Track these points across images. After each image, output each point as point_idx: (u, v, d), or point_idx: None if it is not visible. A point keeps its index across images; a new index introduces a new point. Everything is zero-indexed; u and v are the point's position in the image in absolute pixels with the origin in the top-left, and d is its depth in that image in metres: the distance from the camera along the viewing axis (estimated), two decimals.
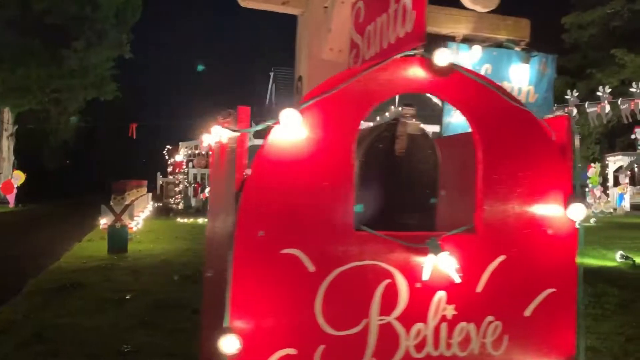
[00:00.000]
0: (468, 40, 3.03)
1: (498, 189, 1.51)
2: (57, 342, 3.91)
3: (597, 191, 22.62)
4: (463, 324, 1.45)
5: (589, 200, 22.47)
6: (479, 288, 1.48)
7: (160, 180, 25.06)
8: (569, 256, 1.63)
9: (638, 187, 25.83)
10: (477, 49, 3.02)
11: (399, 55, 1.48)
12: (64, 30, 17.60)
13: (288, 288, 1.30)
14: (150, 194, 15.91)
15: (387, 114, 21.00)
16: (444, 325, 1.43)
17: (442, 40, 2.97)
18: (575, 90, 17.28)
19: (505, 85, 3.15)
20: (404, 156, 1.71)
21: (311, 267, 1.30)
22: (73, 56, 18.09)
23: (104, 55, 19.16)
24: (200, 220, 14.33)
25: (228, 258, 1.22)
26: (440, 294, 1.43)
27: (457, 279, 1.40)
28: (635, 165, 25.15)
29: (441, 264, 1.38)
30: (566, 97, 17.48)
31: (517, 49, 3.09)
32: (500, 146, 1.53)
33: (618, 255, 7.68)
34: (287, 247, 1.29)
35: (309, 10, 2.69)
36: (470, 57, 3.08)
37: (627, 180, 24.70)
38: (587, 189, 22.75)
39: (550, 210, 1.57)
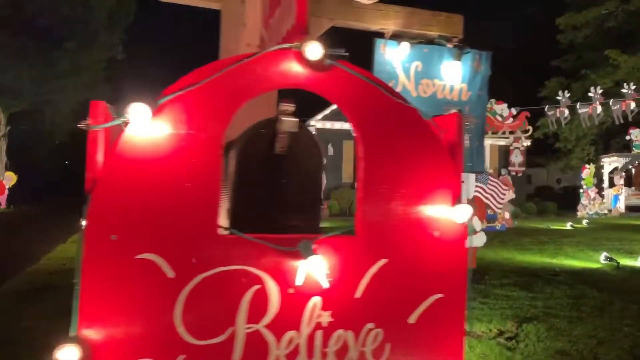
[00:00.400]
0: (398, 37, 2.95)
1: (380, 189, 1.43)
2: (16, 346, 3.83)
3: (592, 192, 22.56)
4: (340, 331, 1.37)
5: (584, 201, 22.42)
6: (358, 293, 1.39)
7: None
8: (458, 260, 1.55)
9: (633, 188, 25.77)
10: (405, 46, 2.94)
11: (271, 49, 1.40)
12: (56, 31, 17.55)
13: (144, 295, 1.22)
14: None
15: None
16: (319, 333, 1.35)
17: (373, 36, 2.90)
18: (567, 92, 17.26)
19: (437, 83, 3.08)
20: (285, 155, 1.62)
21: (170, 273, 1.22)
22: (65, 57, 18.03)
23: (95, 57, 19.09)
24: None
25: (76, 263, 1.15)
26: (315, 300, 1.34)
27: (326, 284, 1.32)
28: (631, 167, 25.08)
29: (310, 268, 1.30)
30: (558, 97, 17.47)
31: (449, 45, 3.01)
32: (383, 145, 1.45)
33: (602, 256, 7.62)
34: (142, 252, 1.21)
35: (227, 5, 2.59)
36: (398, 54, 3.00)
37: (622, 182, 24.66)
38: (581, 190, 22.71)
39: (437, 212, 1.49)
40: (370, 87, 1.45)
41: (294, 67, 1.40)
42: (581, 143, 26.36)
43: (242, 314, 1.27)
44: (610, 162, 25.64)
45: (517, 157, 25.29)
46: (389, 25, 2.73)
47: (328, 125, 20.83)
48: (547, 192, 33.09)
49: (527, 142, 25.41)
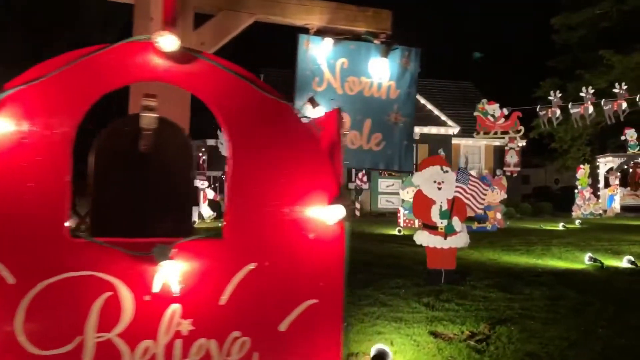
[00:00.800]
0: (323, 32, 2.88)
1: (249, 190, 1.36)
2: None
3: (587, 192, 22.49)
4: (202, 340, 1.30)
5: (578, 201, 22.36)
6: (223, 300, 1.32)
7: None
8: (334, 263, 1.45)
9: (629, 188, 25.70)
10: (328, 42, 2.87)
11: (125, 41, 1.33)
12: (47, 32, 17.48)
13: None
14: None
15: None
16: (178, 342, 1.28)
17: (298, 32, 2.84)
18: (561, 92, 17.22)
19: (364, 80, 3.01)
20: (150, 154, 1.53)
21: (10, 279, 1.16)
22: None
23: None
24: None
25: None
26: (175, 308, 1.28)
27: (177, 290, 1.26)
28: (626, 167, 25.01)
29: (164, 273, 1.24)
30: (549, 97, 17.44)
31: (376, 41, 2.95)
32: (253, 142, 1.39)
33: (587, 257, 7.56)
34: None
35: None
36: (323, 51, 2.94)
37: (617, 182, 24.60)
38: (576, 191, 22.64)
39: (312, 213, 1.42)
40: (239, 81, 1.38)
41: (153, 60, 1.32)
42: (577, 143, 26.33)
43: (92, 322, 1.20)
44: (605, 163, 25.58)
45: (512, 158, 25.24)
46: (314, 20, 2.67)
47: None
48: (544, 193, 33.04)
49: (522, 143, 25.42)
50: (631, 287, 5.98)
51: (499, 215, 14.59)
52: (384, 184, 19.70)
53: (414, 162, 18.01)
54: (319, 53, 2.91)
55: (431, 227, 6.08)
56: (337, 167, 1.48)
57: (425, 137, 21.48)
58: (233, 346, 1.31)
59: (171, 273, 1.22)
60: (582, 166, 22.74)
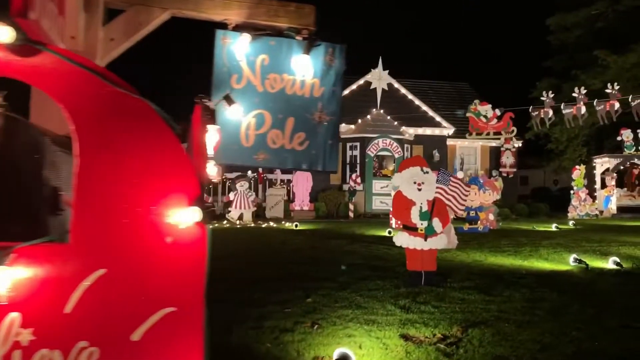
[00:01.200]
0: (243, 28, 2.79)
1: (98, 190, 1.28)
2: None
3: (582, 193, 22.43)
4: (44, 351, 1.22)
5: (574, 202, 22.30)
6: (68, 308, 1.24)
7: None
8: (194, 269, 1.37)
9: (625, 189, 25.63)
10: (245, 38, 2.79)
11: None
12: None
13: None
14: None
15: (368, 116, 20.90)
16: (17, 353, 1.20)
17: (216, 27, 2.75)
18: (555, 93, 17.16)
19: (286, 77, 2.93)
20: None
21: None
22: None
23: None
24: None
25: None
26: (13, 316, 1.20)
27: (3, 299, 1.19)
28: (622, 167, 24.94)
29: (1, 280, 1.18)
30: (542, 98, 17.39)
31: (298, 38, 2.87)
32: (103, 140, 1.31)
33: (572, 258, 7.49)
34: None
35: None
36: (241, 47, 2.86)
37: (613, 183, 24.53)
38: (572, 192, 22.58)
39: (168, 215, 1.34)
40: (89, 75, 1.30)
41: None
42: (573, 144, 26.26)
43: None
44: (602, 163, 25.48)
45: (508, 159, 25.24)
46: (232, 15, 2.59)
47: None
48: (543, 194, 32.96)
49: (519, 144, 25.38)
50: (613, 289, 5.91)
51: (491, 217, 14.52)
52: (378, 185, 19.62)
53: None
54: (237, 49, 2.82)
55: (411, 229, 6.01)
56: (199, 166, 1.41)
57: (419, 138, 21.42)
58: (80, 357, 1.24)
59: (1, 280, 1.16)
60: (577, 167, 22.68)
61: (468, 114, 17.91)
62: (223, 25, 2.72)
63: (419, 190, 6.04)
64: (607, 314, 4.81)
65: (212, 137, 2.05)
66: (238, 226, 14.36)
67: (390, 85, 21.29)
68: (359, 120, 20.62)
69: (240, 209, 15.29)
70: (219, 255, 8.32)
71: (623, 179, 27.18)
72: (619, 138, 24.52)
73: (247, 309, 4.82)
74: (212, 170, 2.32)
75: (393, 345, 3.93)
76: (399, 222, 6.42)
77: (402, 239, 6.01)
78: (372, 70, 21.11)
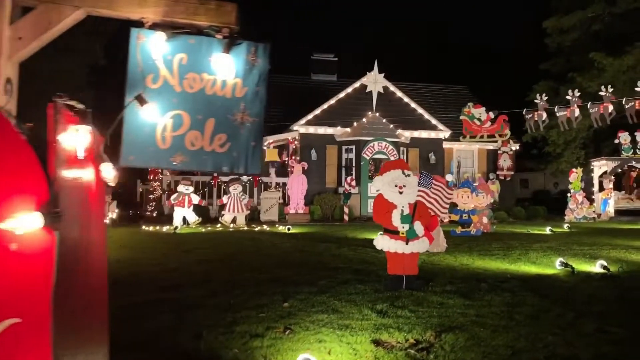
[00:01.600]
0: (160, 27, 2.72)
1: None
2: None
3: (579, 196, 22.32)
4: None
5: (571, 205, 22.20)
6: None
7: (140, 188, 24.92)
8: (39, 277, 1.28)
9: (623, 192, 25.54)
10: (160, 36, 2.74)
11: None
12: None
13: None
14: (115, 201, 15.72)
15: (364, 119, 20.85)
16: None
17: (133, 26, 2.70)
18: (545, 95, 17.08)
19: (206, 77, 2.86)
20: None
21: None
22: (43, 61, 18.04)
23: (75, 62, 19.04)
24: (165, 228, 14.13)
25: None
26: None
27: None
28: (620, 170, 24.85)
29: None
30: (535, 101, 17.34)
31: (218, 36, 2.80)
32: None
33: (558, 262, 7.43)
34: None
35: None
36: (158, 46, 2.79)
37: (611, 185, 24.44)
38: (569, 194, 22.48)
39: (9, 221, 1.26)
40: None
41: None
42: (571, 147, 26.18)
43: None
44: (600, 166, 25.39)
45: (505, 162, 25.16)
46: (148, 13, 2.54)
47: (311, 130, 20.69)
48: (544, 196, 32.84)
49: (516, 146, 25.31)
50: (596, 293, 5.85)
51: (485, 220, 14.46)
52: (373, 188, 19.53)
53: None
54: (153, 48, 2.77)
55: (392, 232, 5.96)
56: (49, 169, 1.35)
57: (415, 141, 21.34)
58: None
59: None
60: (574, 170, 22.58)
61: (462, 117, 17.87)
62: (140, 24, 2.67)
63: (400, 193, 5.99)
64: (587, 319, 4.75)
65: (81, 138, 1.99)
66: (231, 229, 14.31)
67: (385, 88, 21.24)
68: (355, 123, 20.58)
69: (233, 212, 15.24)
70: (205, 259, 8.29)
71: (621, 181, 27.10)
72: (616, 141, 24.45)
73: (222, 314, 4.77)
74: (108, 174, 2.27)
75: (363, 350, 3.88)
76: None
77: (383, 243, 5.96)
78: (367, 73, 21.07)
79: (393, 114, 20.87)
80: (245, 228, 14.69)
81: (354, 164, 20.17)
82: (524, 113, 16.96)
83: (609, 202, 24.31)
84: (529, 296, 5.63)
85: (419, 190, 6.10)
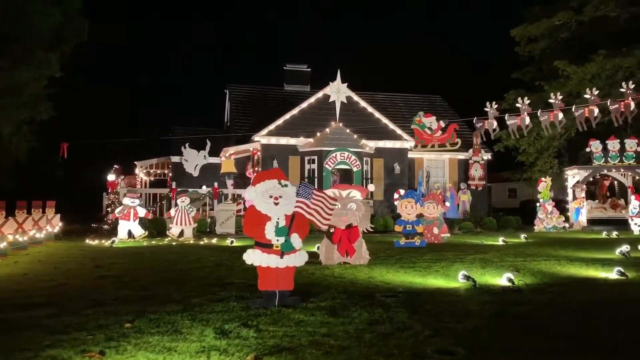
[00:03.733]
0: None
1: None
2: None
3: (549, 206, 22.02)
4: None
5: (540, 215, 21.88)
6: None
7: (105, 200, 24.63)
8: None
9: (597, 201, 25.27)
10: None
11: None
12: None
13: None
14: (59, 215, 15.38)
15: (327, 129, 20.61)
16: None
17: None
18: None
19: None
20: None
21: None
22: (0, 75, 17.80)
23: (34, 74, 18.85)
24: (108, 242, 13.78)
25: None
26: None
27: None
28: (592, 179, 24.58)
29: None
30: (517, 105, 17.14)
31: None
32: None
33: (460, 275, 7.11)
34: None
35: None
36: None
37: (583, 195, 24.15)
38: (538, 204, 22.18)
39: None
40: None
41: None
42: (543, 156, 25.93)
43: None
44: (573, 175, 25.13)
45: (477, 171, 24.91)
46: None
47: (273, 140, 20.44)
48: (531, 206, 32.49)
49: (488, 156, 25.08)
50: (479, 308, 5.52)
51: (436, 230, 14.17)
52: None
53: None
54: None
55: (264, 245, 5.65)
56: None
57: (380, 151, 21.08)
58: None
59: None
60: (543, 179, 22.31)
61: (413, 126, 17.64)
62: None
63: (276, 204, 5.69)
64: (440, 337, 4.43)
65: None
66: (174, 243, 13.98)
67: (349, 98, 21.04)
68: (318, 134, 20.35)
69: (180, 226, 14.92)
70: (106, 275, 7.95)
71: (595, 190, 26.84)
72: (587, 149, 24.22)
73: (46, 336, 4.45)
74: None
75: None
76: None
77: (254, 257, 5.64)
78: (330, 83, 20.88)
79: (357, 124, 20.65)
80: (192, 241, 14.35)
81: (316, 175, 19.89)
82: (474, 122, 16.74)
83: (581, 211, 24.02)
84: (402, 312, 5.30)
85: (298, 201, 5.81)
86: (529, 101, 16.22)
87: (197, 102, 69.55)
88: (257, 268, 5.66)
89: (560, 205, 26.42)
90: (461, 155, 24.97)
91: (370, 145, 20.73)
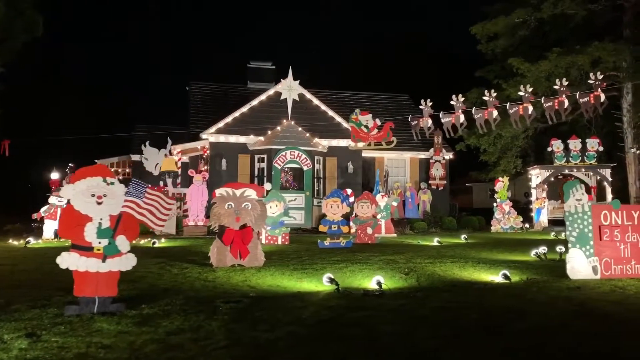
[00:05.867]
0: None
1: None
2: None
3: (506, 206, 21.71)
4: None
5: (497, 215, 21.55)
6: None
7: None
8: None
9: (560, 201, 24.96)
10: None
11: None
12: None
13: None
14: None
15: (278, 127, 20.19)
16: None
17: None
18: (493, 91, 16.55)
19: None
20: None
21: None
22: None
23: None
24: (21, 242, 13.29)
25: None
26: None
27: None
28: (553, 179, 24.28)
29: None
30: (484, 98, 16.82)
31: None
32: None
33: (325, 279, 6.71)
34: None
35: None
36: None
37: (544, 195, 23.88)
38: (495, 204, 21.85)
39: None
40: None
41: None
42: (507, 155, 25.59)
43: None
44: (537, 175, 24.84)
45: (438, 171, 24.57)
46: None
47: (222, 138, 20.01)
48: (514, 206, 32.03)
49: (449, 155, 24.72)
50: (312, 314, 5.13)
51: (369, 230, 13.79)
52: (286, 198, 18.82)
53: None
54: None
55: (83, 248, 5.23)
56: None
57: (333, 150, 20.67)
58: None
59: None
60: (500, 179, 21.99)
61: (350, 124, 17.25)
62: None
63: (99, 203, 5.27)
64: (231, 349, 4.03)
65: None
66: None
67: (301, 95, 20.62)
68: (269, 132, 19.93)
69: None
70: None
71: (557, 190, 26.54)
72: (549, 149, 23.92)
73: None
74: None
75: None
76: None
77: (70, 261, 5.21)
78: (282, 80, 20.47)
79: (310, 122, 20.24)
80: None
81: (265, 174, 19.47)
82: (409, 120, 16.38)
83: (542, 211, 23.74)
84: (219, 320, 4.89)
85: (127, 201, 5.38)
86: (495, 94, 15.91)
87: (164, 100, 68.96)
88: (74, 273, 5.23)
89: (519, 205, 26.15)
90: (422, 155, 24.61)
91: (324, 143, 20.33)
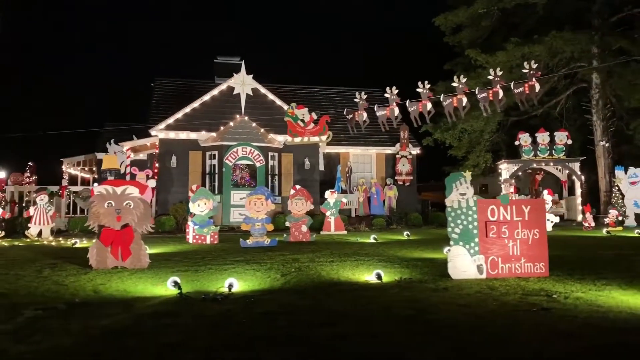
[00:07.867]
0: None
1: None
2: None
3: None
4: None
5: None
6: None
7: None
8: None
9: (528, 196, 24.43)
10: None
11: None
12: None
13: None
14: None
15: (231, 123, 19.72)
16: None
17: None
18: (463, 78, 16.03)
19: None
20: None
21: None
22: None
23: None
24: None
25: None
26: None
27: None
28: (520, 173, 23.74)
29: None
30: (453, 84, 16.34)
31: None
32: None
33: (170, 282, 6.22)
34: None
35: None
36: None
37: (512, 189, 23.32)
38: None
39: None
40: None
41: None
42: (476, 150, 25.05)
43: None
44: (507, 169, 24.31)
45: (404, 166, 24.05)
46: None
47: (172, 135, 19.54)
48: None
49: (416, 150, 24.21)
50: (112, 322, 4.64)
51: (304, 228, 13.31)
52: (237, 196, 18.39)
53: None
54: None
55: None
56: None
57: (290, 146, 20.16)
58: None
59: None
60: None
61: (286, 118, 16.76)
62: None
63: None
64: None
65: None
66: (33, 242, 13.10)
67: (255, 90, 20.14)
68: (222, 128, 19.45)
69: (39, 225, 14.03)
70: None
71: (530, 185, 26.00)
72: (516, 142, 23.41)
73: None
74: None
75: None
76: None
77: None
78: (234, 74, 19.98)
79: (265, 118, 19.75)
80: (50, 240, 13.48)
81: (216, 171, 19.00)
82: (345, 113, 15.88)
83: None
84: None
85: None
86: (465, 79, 15.42)
87: (135, 97, 68.49)
88: None
89: None
90: (389, 150, 24.13)
91: (279, 139, 19.84)
